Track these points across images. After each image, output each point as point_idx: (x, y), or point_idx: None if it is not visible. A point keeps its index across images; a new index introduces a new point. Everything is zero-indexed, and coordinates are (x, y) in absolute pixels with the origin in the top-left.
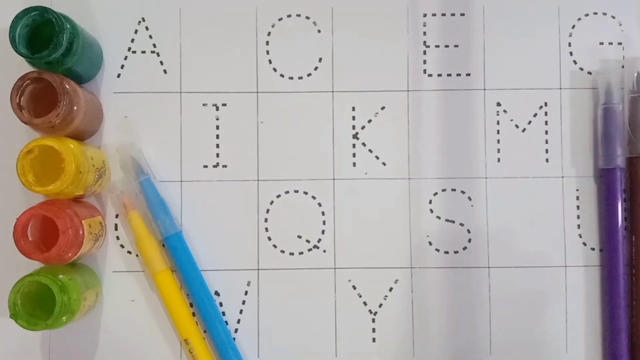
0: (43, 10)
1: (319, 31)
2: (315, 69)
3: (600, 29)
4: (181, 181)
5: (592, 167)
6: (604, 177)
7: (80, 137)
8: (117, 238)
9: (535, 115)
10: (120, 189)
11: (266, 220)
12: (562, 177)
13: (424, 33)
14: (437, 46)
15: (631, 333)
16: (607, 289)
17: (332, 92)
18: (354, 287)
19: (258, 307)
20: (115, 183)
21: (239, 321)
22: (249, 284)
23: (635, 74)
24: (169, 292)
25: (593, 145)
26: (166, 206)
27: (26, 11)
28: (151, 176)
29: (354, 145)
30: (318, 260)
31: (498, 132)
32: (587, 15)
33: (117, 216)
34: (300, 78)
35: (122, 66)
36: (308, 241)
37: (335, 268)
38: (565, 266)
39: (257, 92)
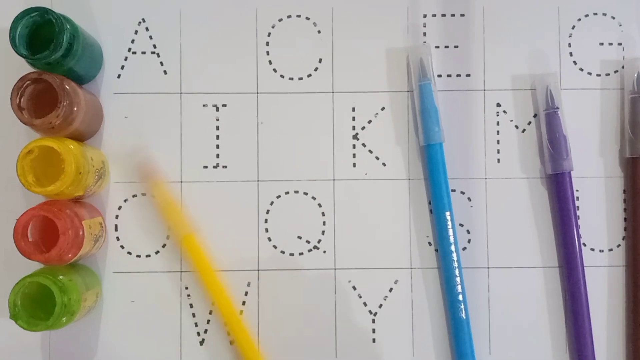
0: (43, 11)
1: (319, 32)
2: (316, 69)
3: (600, 29)
4: (181, 182)
5: (594, 166)
6: (553, 183)
7: (80, 137)
8: (117, 239)
9: (535, 115)
10: (143, 156)
11: (266, 220)
12: None
13: (424, 34)
14: (437, 47)
15: (634, 338)
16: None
17: (332, 92)
18: (354, 288)
19: (258, 307)
20: (139, 149)
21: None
22: (249, 284)
23: (636, 74)
24: (198, 255)
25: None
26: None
27: (26, 12)
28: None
29: (354, 146)
30: (318, 261)
31: (498, 132)
32: (587, 15)
33: (117, 217)
34: (301, 79)
35: (122, 67)
36: (308, 242)
37: (335, 268)
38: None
39: (257, 93)
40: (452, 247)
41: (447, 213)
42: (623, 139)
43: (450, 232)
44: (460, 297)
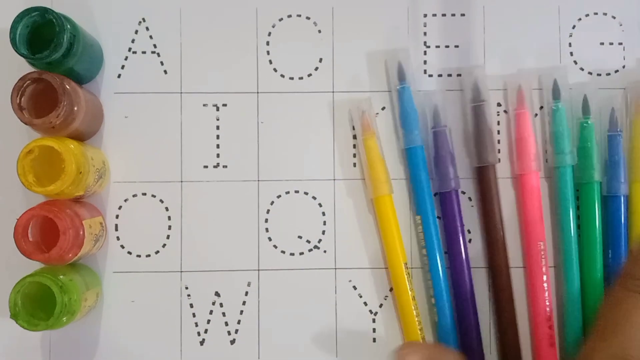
0: (43, 11)
1: (319, 31)
2: (316, 69)
3: (601, 29)
4: (181, 181)
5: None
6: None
7: (80, 137)
8: (118, 238)
9: (535, 115)
10: (362, 109)
11: (266, 220)
12: None
13: (424, 33)
14: (437, 46)
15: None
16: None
17: (333, 92)
18: (355, 288)
19: (258, 307)
20: (361, 102)
21: (239, 322)
22: (249, 284)
23: (472, 83)
24: (386, 218)
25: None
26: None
27: (27, 12)
28: (410, 86)
29: (354, 146)
30: (318, 261)
31: (498, 132)
32: (587, 15)
33: (117, 216)
34: (301, 78)
35: (123, 66)
36: (308, 241)
37: (335, 268)
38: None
39: (258, 93)
40: (436, 248)
41: (429, 214)
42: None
43: (433, 232)
44: (444, 297)
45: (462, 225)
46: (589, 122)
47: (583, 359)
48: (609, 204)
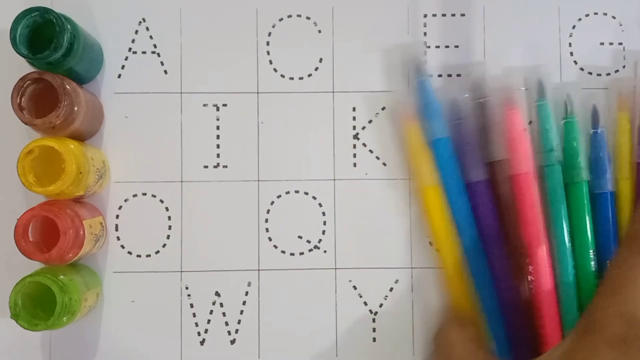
0: (44, 11)
1: (319, 31)
2: (316, 69)
3: (601, 29)
4: (182, 181)
5: None
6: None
7: (80, 137)
8: (118, 239)
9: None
10: (400, 102)
11: (267, 220)
12: None
13: (425, 34)
14: (437, 47)
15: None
16: None
17: (333, 92)
18: (355, 287)
19: (259, 307)
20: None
21: (239, 322)
22: (249, 284)
23: (471, 82)
24: (434, 209)
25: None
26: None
27: (27, 12)
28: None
29: (354, 146)
30: (319, 261)
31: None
32: (587, 15)
33: (117, 217)
34: (301, 78)
35: (123, 67)
36: (309, 241)
37: (335, 268)
38: None
39: (258, 93)
40: (472, 232)
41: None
42: None
43: (468, 220)
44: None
45: (495, 214)
46: (573, 119)
47: (587, 316)
48: (597, 201)
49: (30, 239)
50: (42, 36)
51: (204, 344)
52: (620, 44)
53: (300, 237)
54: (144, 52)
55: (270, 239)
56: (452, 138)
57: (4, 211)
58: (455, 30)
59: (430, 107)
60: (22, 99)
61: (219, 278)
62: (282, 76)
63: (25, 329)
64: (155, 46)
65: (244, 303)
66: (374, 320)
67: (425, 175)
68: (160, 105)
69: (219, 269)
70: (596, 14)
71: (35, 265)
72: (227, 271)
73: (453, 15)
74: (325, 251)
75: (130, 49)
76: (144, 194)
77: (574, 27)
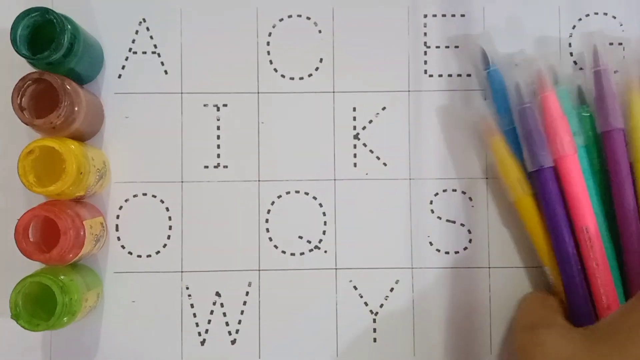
0: (44, 11)
1: (319, 32)
2: (316, 69)
3: (601, 29)
4: (182, 182)
5: None
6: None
7: (81, 137)
8: (118, 239)
9: None
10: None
11: (267, 220)
12: None
13: (425, 34)
14: (437, 47)
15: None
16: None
17: (333, 92)
18: (355, 288)
19: (259, 307)
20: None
21: (240, 322)
22: (250, 284)
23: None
24: (530, 218)
25: None
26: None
27: (27, 12)
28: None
29: (354, 146)
30: (319, 261)
31: None
32: (587, 15)
33: (118, 217)
34: (301, 78)
35: (123, 67)
36: (309, 242)
37: (336, 268)
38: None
39: (258, 93)
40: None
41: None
42: None
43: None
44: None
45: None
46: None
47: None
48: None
49: (31, 239)
50: (42, 36)
51: (205, 344)
52: (620, 44)
53: (300, 237)
54: (144, 52)
55: (270, 239)
56: (519, 124)
57: (4, 211)
58: (455, 30)
59: (502, 96)
60: (23, 99)
61: (220, 278)
62: (283, 76)
63: (26, 329)
64: (155, 46)
65: (245, 303)
66: (374, 320)
67: (517, 186)
68: (160, 105)
69: (220, 269)
70: (596, 14)
71: (36, 266)
72: (228, 271)
73: (453, 15)
74: (325, 251)
75: (130, 49)
76: (145, 194)
77: (574, 27)
